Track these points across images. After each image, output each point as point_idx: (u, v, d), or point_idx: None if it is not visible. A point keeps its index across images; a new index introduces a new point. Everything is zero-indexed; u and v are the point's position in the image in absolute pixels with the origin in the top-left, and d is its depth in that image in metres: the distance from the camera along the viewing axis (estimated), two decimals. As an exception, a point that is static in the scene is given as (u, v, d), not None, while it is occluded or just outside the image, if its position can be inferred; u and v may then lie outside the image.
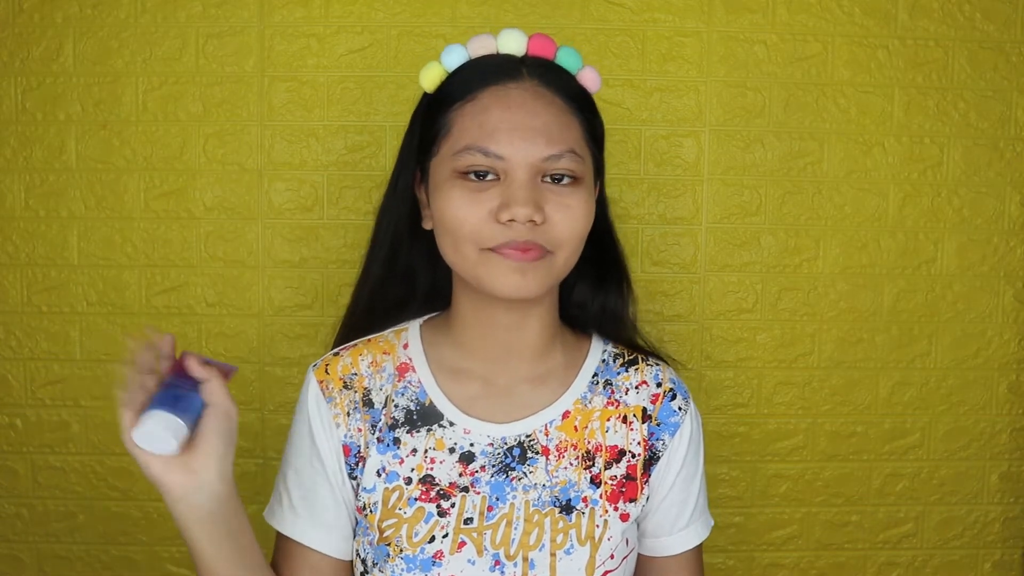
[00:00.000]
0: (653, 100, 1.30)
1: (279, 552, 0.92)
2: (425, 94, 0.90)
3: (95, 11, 1.26)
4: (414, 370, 0.92)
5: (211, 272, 1.30)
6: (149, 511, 1.32)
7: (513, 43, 0.87)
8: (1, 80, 1.27)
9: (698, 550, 0.97)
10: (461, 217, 0.82)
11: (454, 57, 0.88)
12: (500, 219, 0.80)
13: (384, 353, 0.93)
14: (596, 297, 0.98)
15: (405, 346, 0.93)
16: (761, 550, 1.37)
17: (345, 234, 1.29)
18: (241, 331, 1.31)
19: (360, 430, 0.89)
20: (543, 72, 0.86)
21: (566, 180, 0.83)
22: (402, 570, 0.84)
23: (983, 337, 1.35)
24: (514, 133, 0.81)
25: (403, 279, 0.96)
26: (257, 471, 1.32)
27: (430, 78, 0.88)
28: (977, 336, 1.35)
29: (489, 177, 0.82)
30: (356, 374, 0.91)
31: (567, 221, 0.82)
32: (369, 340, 0.95)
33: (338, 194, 1.29)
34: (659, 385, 0.95)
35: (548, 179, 0.83)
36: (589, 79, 0.90)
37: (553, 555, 0.85)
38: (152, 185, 1.29)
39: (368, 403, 0.90)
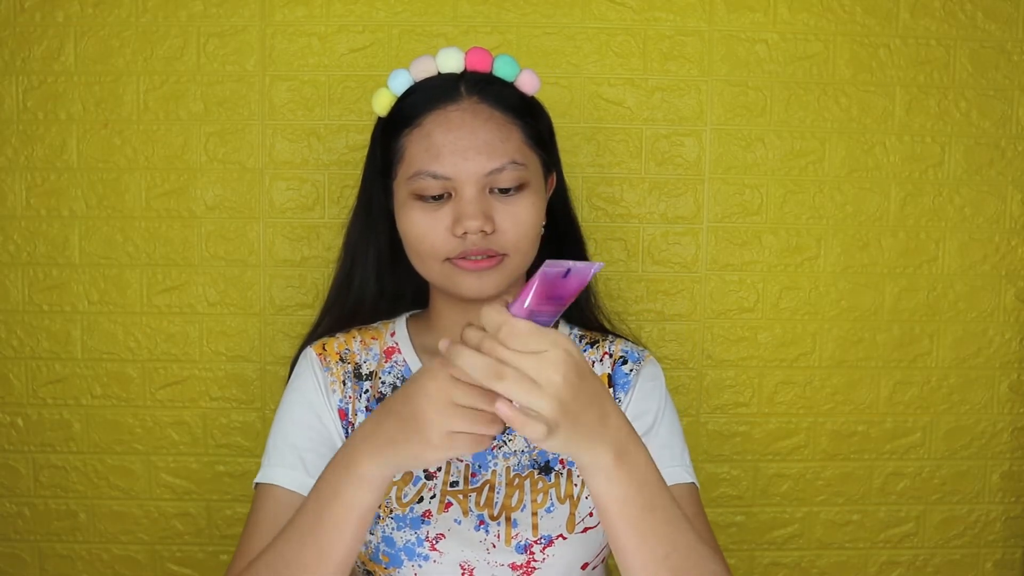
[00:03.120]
0: (654, 99, 1.30)
1: (271, 503, 0.91)
2: (379, 118, 0.97)
3: (96, 10, 1.26)
4: (399, 352, 1.00)
5: (212, 271, 1.30)
6: (150, 510, 1.32)
7: (451, 62, 0.93)
8: (2, 79, 1.27)
9: (689, 495, 0.95)
10: (421, 235, 0.90)
11: (399, 82, 0.94)
12: (455, 233, 0.88)
13: (372, 338, 1.01)
14: None
15: (392, 334, 1.02)
16: (762, 549, 1.37)
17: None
18: (242, 330, 1.31)
19: (351, 398, 0.97)
20: (481, 88, 0.92)
21: (512, 190, 0.90)
22: (392, 529, 0.89)
23: (984, 336, 1.35)
24: (457, 154, 0.88)
25: (392, 298, 1.05)
26: (257, 470, 1.32)
27: (381, 103, 0.95)
28: (978, 335, 1.35)
29: (442, 196, 0.90)
30: (349, 350, 1.00)
31: (515, 228, 0.90)
32: (360, 328, 1.03)
33: (339, 193, 1.29)
34: (611, 356, 1.01)
35: (497, 190, 0.90)
36: (527, 83, 0.96)
37: (535, 514, 0.90)
38: (153, 184, 1.29)
39: (358, 376, 0.98)
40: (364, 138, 1.28)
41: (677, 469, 0.95)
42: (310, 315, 1.30)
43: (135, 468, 1.32)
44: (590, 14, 1.29)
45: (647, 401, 0.98)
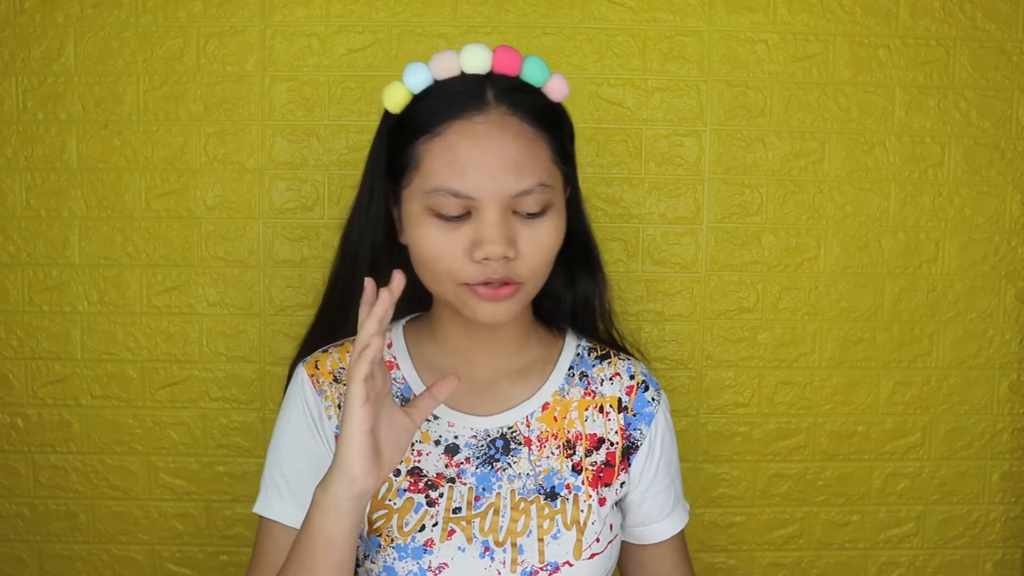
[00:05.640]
0: (654, 99, 1.30)
1: (269, 542, 0.91)
2: (390, 113, 0.88)
3: (96, 10, 1.26)
4: (398, 367, 0.94)
5: (212, 271, 1.30)
6: (150, 510, 1.32)
7: (478, 61, 0.84)
8: (2, 79, 1.27)
9: (683, 534, 1.01)
10: (436, 255, 0.83)
11: (417, 78, 0.85)
12: (474, 258, 0.81)
13: None
14: (569, 290, 1.00)
15: (389, 345, 0.96)
16: (762, 550, 1.37)
17: (346, 233, 1.29)
18: (242, 330, 1.31)
19: None
20: (509, 95, 0.84)
21: (536, 213, 0.84)
22: (394, 559, 0.86)
23: (984, 336, 1.35)
24: (483, 172, 0.80)
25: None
26: (257, 471, 1.31)
27: (394, 100, 0.86)
28: (978, 335, 1.35)
29: (461, 215, 0.82)
30: (344, 368, 0.93)
31: (536, 255, 0.84)
32: (355, 339, 0.96)
33: (339, 194, 1.29)
34: (632, 378, 0.98)
35: (521, 213, 0.83)
36: (556, 89, 0.88)
37: (541, 540, 0.87)
38: (153, 184, 1.29)
39: None
40: (364, 138, 1.28)
41: (679, 510, 1.00)
42: (310, 316, 1.29)
43: (135, 468, 1.32)
44: (590, 14, 1.29)
45: (668, 436, 0.99)
